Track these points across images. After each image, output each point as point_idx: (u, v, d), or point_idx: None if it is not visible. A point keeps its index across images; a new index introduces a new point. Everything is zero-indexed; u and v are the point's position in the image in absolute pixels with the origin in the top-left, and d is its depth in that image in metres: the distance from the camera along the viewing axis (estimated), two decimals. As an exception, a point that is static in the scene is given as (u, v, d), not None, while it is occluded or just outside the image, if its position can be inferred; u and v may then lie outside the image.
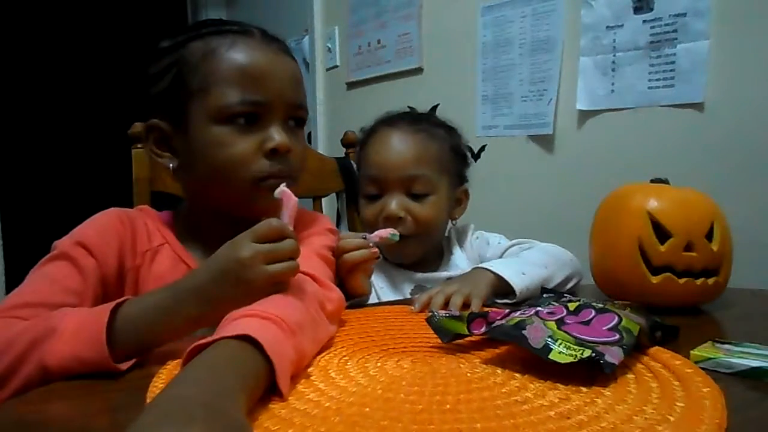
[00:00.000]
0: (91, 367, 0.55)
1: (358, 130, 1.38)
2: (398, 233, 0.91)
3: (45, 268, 0.70)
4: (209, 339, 0.49)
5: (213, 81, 0.75)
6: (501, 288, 0.94)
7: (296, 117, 0.81)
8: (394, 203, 1.05)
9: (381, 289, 1.07)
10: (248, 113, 0.75)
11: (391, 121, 1.13)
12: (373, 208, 1.08)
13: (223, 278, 0.59)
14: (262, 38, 0.79)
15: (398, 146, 1.08)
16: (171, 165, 0.80)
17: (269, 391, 0.49)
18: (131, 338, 0.58)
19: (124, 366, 0.56)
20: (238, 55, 0.76)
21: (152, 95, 0.80)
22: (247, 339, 0.49)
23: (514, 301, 0.92)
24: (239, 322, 0.52)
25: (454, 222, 1.18)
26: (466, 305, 0.86)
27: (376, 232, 0.91)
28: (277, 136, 0.76)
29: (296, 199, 0.65)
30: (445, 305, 0.85)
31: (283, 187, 0.66)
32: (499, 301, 0.94)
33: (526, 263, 1.00)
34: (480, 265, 0.99)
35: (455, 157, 1.14)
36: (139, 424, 0.36)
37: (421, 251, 1.11)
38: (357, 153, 1.20)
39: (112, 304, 0.58)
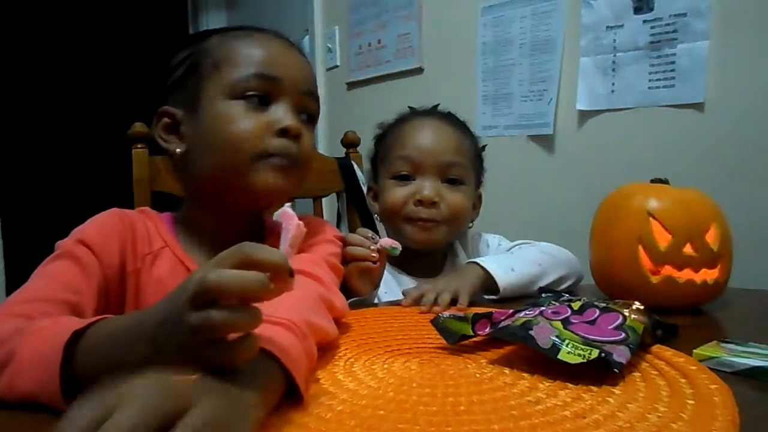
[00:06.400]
0: (44, 403, 0.48)
1: (358, 129, 1.39)
2: (399, 248, 0.90)
3: (47, 267, 0.69)
4: None
5: (228, 59, 0.78)
6: (489, 283, 0.95)
7: (308, 110, 0.82)
8: (431, 187, 1.05)
9: (385, 294, 1.06)
10: (261, 91, 0.77)
11: (424, 112, 1.15)
12: (404, 190, 1.07)
13: (166, 319, 0.44)
14: (278, 35, 0.83)
15: (438, 132, 1.09)
16: (178, 150, 0.80)
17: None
18: (89, 372, 0.48)
19: None
20: (253, 40, 0.80)
21: (167, 86, 0.82)
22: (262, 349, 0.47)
23: (499, 296, 0.93)
24: None
25: (470, 225, 1.18)
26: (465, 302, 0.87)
27: (381, 240, 0.90)
28: (288, 118, 0.77)
29: (300, 222, 0.48)
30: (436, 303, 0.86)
31: (286, 207, 0.53)
32: (486, 297, 0.94)
33: (517, 260, 1.00)
34: (472, 260, 1.00)
35: (479, 159, 1.16)
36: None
37: (446, 239, 1.11)
38: (376, 141, 1.19)
39: (66, 336, 0.48)
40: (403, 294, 0.93)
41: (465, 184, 1.09)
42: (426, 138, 1.08)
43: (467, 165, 1.09)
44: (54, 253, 0.71)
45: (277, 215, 0.51)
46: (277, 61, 0.79)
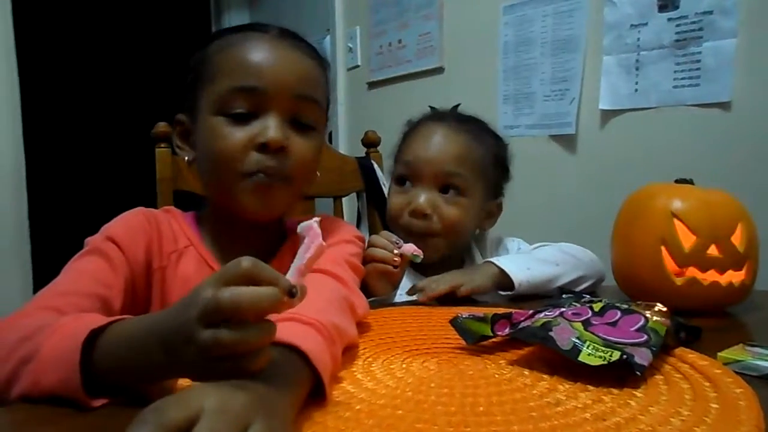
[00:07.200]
0: (69, 399, 0.49)
1: (379, 129, 1.39)
2: (422, 256, 0.90)
3: (78, 262, 0.71)
4: None
5: (217, 71, 0.77)
6: (504, 281, 0.95)
7: (304, 116, 0.78)
8: (424, 198, 1.04)
9: (401, 296, 1.06)
10: (245, 104, 0.74)
11: (439, 116, 1.14)
12: (401, 198, 1.06)
13: (177, 331, 0.44)
14: (277, 35, 0.79)
15: (441, 140, 1.07)
16: (186, 158, 0.82)
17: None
18: (107, 371, 0.49)
19: (97, 403, 0.48)
20: (243, 47, 0.77)
21: (182, 91, 0.82)
22: (290, 345, 0.48)
23: (514, 293, 0.94)
24: (280, 326, 0.48)
25: (484, 229, 1.17)
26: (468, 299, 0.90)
27: (405, 246, 0.91)
28: (270, 130, 0.73)
29: (323, 243, 0.47)
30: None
31: (313, 222, 0.49)
32: (503, 293, 0.96)
33: (534, 259, 1.00)
34: (488, 259, 1.00)
35: (496, 167, 1.12)
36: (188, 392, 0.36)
37: (443, 252, 1.09)
38: (397, 145, 1.17)
39: (84, 335, 0.49)
40: (408, 293, 0.95)
41: (465, 196, 1.06)
42: (427, 146, 1.06)
43: (469, 176, 1.05)
44: (83, 249, 0.73)
45: (301, 228, 0.49)
46: (262, 69, 0.75)
